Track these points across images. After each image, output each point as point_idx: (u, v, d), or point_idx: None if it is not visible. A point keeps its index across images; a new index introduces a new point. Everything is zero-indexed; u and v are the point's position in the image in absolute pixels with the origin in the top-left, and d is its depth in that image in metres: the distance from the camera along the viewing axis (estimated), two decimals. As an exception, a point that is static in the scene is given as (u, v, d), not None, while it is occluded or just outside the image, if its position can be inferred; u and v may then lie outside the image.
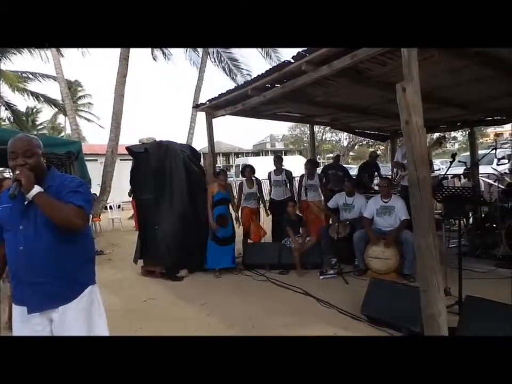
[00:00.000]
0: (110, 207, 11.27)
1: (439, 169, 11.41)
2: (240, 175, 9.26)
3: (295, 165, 13.73)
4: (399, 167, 5.67)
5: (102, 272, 5.03)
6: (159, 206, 5.39)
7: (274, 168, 6.44)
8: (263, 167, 8.04)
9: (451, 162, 3.79)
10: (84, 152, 6.97)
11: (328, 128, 24.85)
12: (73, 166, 6.31)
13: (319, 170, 7.68)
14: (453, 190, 3.50)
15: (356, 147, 31.57)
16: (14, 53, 16.08)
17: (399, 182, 5.71)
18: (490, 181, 6.35)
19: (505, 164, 8.72)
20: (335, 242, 5.07)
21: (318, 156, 27.25)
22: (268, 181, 6.67)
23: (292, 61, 3.87)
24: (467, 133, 11.27)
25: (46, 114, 31.86)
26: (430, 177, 2.72)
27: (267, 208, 6.34)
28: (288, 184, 6.31)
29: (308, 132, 10.68)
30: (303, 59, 3.70)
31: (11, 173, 1.91)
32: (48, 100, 19.23)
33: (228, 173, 6.00)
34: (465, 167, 6.96)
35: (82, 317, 1.75)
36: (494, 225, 5.27)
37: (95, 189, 8.99)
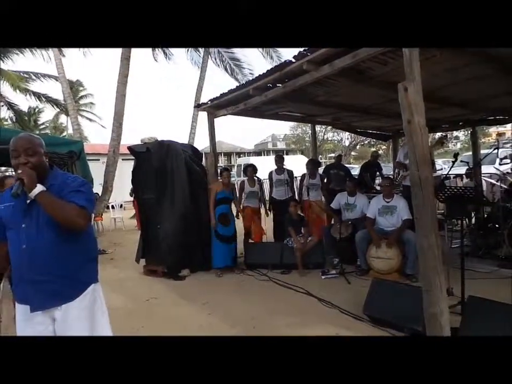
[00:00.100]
0: (112, 207, 11.29)
1: (441, 169, 11.40)
2: (241, 175, 9.26)
3: (297, 164, 13.73)
4: (401, 167, 5.66)
5: (105, 271, 5.04)
6: (161, 206, 5.40)
7: (276, 167, 6.44)
8: (265, 166, 8.02)
9: (453, 162, 3.77)
10: (86, 152, 6.99)
11: (329, 127, 24.82)
12: (75, 165, 6.33)
13: (320, 170, 7.68)
14: (455, 190, 3.49)
15: (358, 147, 31.53)
16: (16, 53, 16.12)
17: (401, 182, 5.70)
18: (493, 181, 6.32)
19: (508, 163, 8.71)
20: (337, 242, 5.06)
21: (320, 156, 27.28)
22: (268, 180, 6.66)
23: (293, 60, 3.86)
24: (469, 132, 11.22)
25: (48, 114, 31.97)
26: (432, 177, 2.71)
27: (267, 207, 6.33)
28: (289, 184, 6.32)
29: (310, 132, 10.66)
30: (304, 58, 3.70)
31: (13, 172, 1.91)
32: (50, 100, 19.26)
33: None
34: (467, 167, 6.95)
35: (85, 315, 1.75)
36: (497, 225, 5.26)
37: (97, 189, 9.01)
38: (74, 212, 1.65)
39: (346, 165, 9.57)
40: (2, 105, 18.75)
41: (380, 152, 23.90)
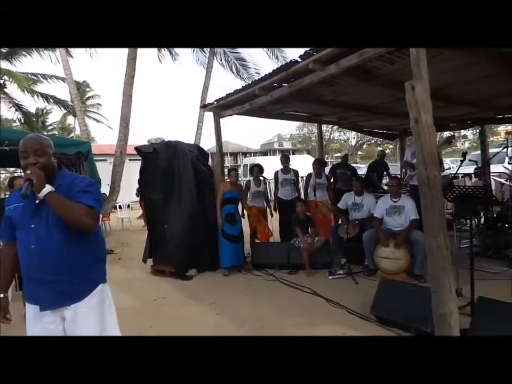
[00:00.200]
0: (120, 207, 11.37)
1: (449, 168, 11.30)
2: (248, 175, 9.26)
3: (303, 164, 13.71)
4: (408, 167, 5.62)
5: (112, 271, 5.07)
6: (168, 206, 5.42)
7: (282, 167, 6.43)
8: (271, 166, 8.02)
9: (462, 161, 3.74)
10: (93, 153, 7.04)
11: (336, 127, 24.74)
12: (83, 166, 6.38)
13: (327, 170, 7.66)
14: (464, 189, 3.46)
15: (364, 146, 31.42)
16: (23, 55, 16.31)
17: (408, 181, 5.66)
18: (502, 180, 6.26)
19: (517, 162, 8.58)
20: (345, 242, 5.04)
21: (326, 155, 27.21)
22: (273, 180, 6.65)
23: (299, 60, 3.85)
24: (477, 131, 11.12)
25: (55, 115, 32.35)
26: (440, 176, 2.69)
27: (272, 208, 6.31)
28: (295, 184, 6.31)
29: (316, 131, 10.63)
30: (310, 58, 3.68)
31: (22, 173, 1.93)
32: (57, 101, 19.44)
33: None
34: (476, 166, 6.88)
35: (94, 314, 1.76)
36: (506, 225, 5.20)
37: (105, 189, 9.08)
38: (83, 212, 1.66)
39: (353, 165, 9.53)
40: (11, 107, 18.96)
41: (387, 151, 23.79)
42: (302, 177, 8.29)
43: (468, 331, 2.61)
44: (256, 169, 6.04)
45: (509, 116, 7.36)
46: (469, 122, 8.06)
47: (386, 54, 3.46)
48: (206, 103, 6.44)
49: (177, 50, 15.78)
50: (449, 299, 2.51)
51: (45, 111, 26.57)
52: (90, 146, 6.81)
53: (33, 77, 17.87)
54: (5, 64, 17.03)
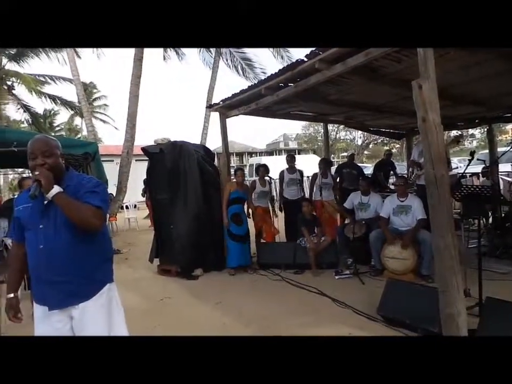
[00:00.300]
0: (126, 207, 11.44)
1: (457, 168, 11.21)
2: (254, 175, 9.26)
3: (309, 164, 13.68)
4: (415, 166, 5.59)
5: (119, 270, 5.10)
6: (174, 206, 5.44)
7: (287, 166, 6.42)
8: (277, 166, 8.02)
9: (470, 160, 3.70)
10: (100, 153, 7.08)
11: (342, 126, 24.65)
12: (90, 166, 6.42)
13: (333, 169, 7.64)
14: (472, 189, 3.43)
15: (371, 145, 31.29)
16: (31, 56, 16.48)
17: (415, 181, 5.62)
18: (510, 179, 6.19)
19: (526, 161, 8.49)
20: (351, 242, 5.02)
21: (332, 155, 27.12)
22: (278, 179, 6.63)
23: (305, 59, 3.84)
24: (485, 130, 11.02)
25: (63, 116, 32.56)
26: (448, 176, 2.67)
27: (275, 207, 6.29)
28: (301, 183, 6.30)
29: (322, 131, 10.61)
30: (316, 57, 3.68)
31: (30, 173, 1.95)
32: (65, 103, 19.64)
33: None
34: (483, 165, 6.82)
35: (102, 314, 1.78)
36: (515, 225, 5.15)
37: (111, 189, 9.14)
38: (90, 212, 1.67)
39: (359, 164, 9.50)
40: (19, 108, 19.17)
41: (393, 150, 23.65)
42: (307, 177, 8.28)
43: (476, 331, 2.59)
44: (262, 169, 6.04)
45: (517, 114, 7.28)
46: (476, 121, 7.99)
47: (393, 53, 3.45)
48: (212, 103, 6.45)
49: (184, 50, 15.86)
50: (457, 299, 2.49)
51: (52, 112, 26.83)
52: (97, 147, 6.85)
53: (41, 78, 18.05)
54: (13, 66, 17.24)
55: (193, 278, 5.22)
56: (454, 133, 14.29)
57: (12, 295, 1.84)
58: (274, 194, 6.63)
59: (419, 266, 4.38)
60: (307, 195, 6.58)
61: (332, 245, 5.22)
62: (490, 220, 5.89)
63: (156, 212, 6.13)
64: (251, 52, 16.12)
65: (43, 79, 18.21)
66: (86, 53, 15.21)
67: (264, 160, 17.31)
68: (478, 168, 7.34)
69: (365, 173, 7.86)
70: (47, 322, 1.74)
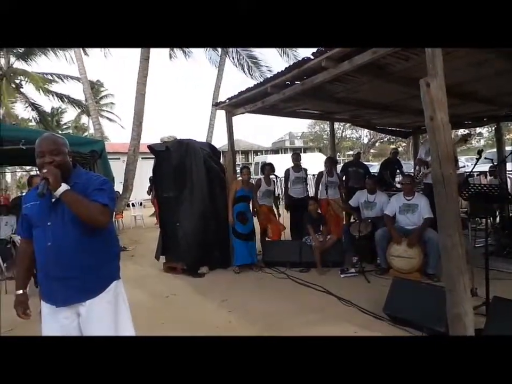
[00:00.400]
0: (132, 205, 11.49)
1: (464, 166, 11.12)
2: (259, 173, 9.27)
3: (315, 162, 13.65)
4: (422, 164, 5.55)
5: (126, 268, 5.11)
6: (180, 204, 5.46)
7: (292, 165, 6.41)
8: (282, 164, 8.01)
9: (477, 159, 3.67)
10: (107, 151, 7.12)
11: (348, 125, 24.57)
12: (96, 164, 6.46)
13: (339, 168, 7.61)
14: (480, 188, 3.40)
15: (377, 144, 31.12)
16: (39, 55, 16.59)
17: (422, 179, 5.58)
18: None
19: (535, 160, 8.39)
20: (357, 240, 5.01)
21: (338, 153, 27.01)
22: (283, 178, 6.62)
23: (312, 57, 3.83)
24: (493, 128, 10.89)
25: (70, 114, 32.77)
26: (456, 174, 2.65)
27: (280, 206, 6.27)
28: (307, 182, 6.29)
29: (327, 129, 10.57)
30: (323, 55, 3.66)
31: (38, 171, 1.96)
32: (72, 101, 19.76)
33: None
34: (491, 164, 6.75)
35: (109, 310, 1.79)
36: (523, 224, 5.10)
37: (118, 187, 9.18)
38: (97, 209, 1.68)
39: (365, 163, 9.45)
40: (27, 106, 19.33)
41: (400, 149, 23.51)
42: (313, 175, 8.27)
43: (482, 331, 2.58)
44: (268, 168, 6.03)
45: (526, 112, 7.20)
46: (485, 119, 7.92)
47: (400, 51, 3.43)
48: (218, 101, 6.45)
49: (190, 48, 15.86)
50: (464, 299, 2.48)
51: (59, 110, 26.99)
52: (104, 145, 6.89)
53: (49, 77, 18.16)
54: (21, 64, 17.37)
55: (199, 275, 5.24)
56: (461, 131, 14.19)
57: (20, 291, 1.86)
58: (280, 193, 6.61)
59: (425, 265, 4.35)
60: (310, 194, 6.57)
61: (338, 244, 5.21)
62: (498, 219, 5.84)
63: (161, 209, 6.15)
64: (257, 50, 16.11)
65: (51, 78, 18.33)
66: (94, 51, 15.24)
67: (270, 158, 17.29)
68: (485, 167, 7.28)
69: (371, 171, 7.82)
70: (54, 319, 1.76)
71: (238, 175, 6.12)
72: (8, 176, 24.10)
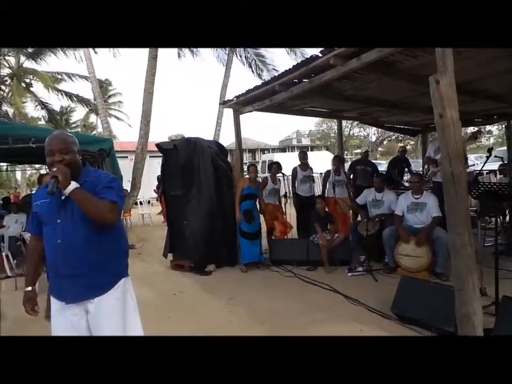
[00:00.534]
0: (140, 203, 11.56)
1: (473, 165, 11.00)
2: (266, 172, 9.26)
3: (322, 160, 13.60)
4: (431, 163, 5.49)
5: (133, 265, 5.13)
6: (187, 202, 5.48)
7: (299, 163, 6.39)
8: (289, 163, 8.00)
9: (488, 157, 3.63)
10: (115, 150, 7.15)
11: (356, 123, 24.44)
12: (105, 163, 6.50)
13: (346, 166, 7.58)
14: (489, 186, 3.36)
15: (385, 142, 30.91)
16: (48, 54, 16.75)
17: (431, 178, 5.53)
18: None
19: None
20: (364, 239, 4.98)
21: (346, 152, 26.90)
22: (291, 176, 6.60)
23: (320, 55, 3.81)
24: (503, 126, 10.76)
25: (79, 113, 33.01)
26: (465, 173, 2.62)
27: (287, 204, 6.25)
28: (314, 180, 6.28)
29: (335, 127, 10.53)
30: (331, 53, 3.64)
31: (48, 170, 1.98)
32: (81, 100, 19.94)
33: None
34: (501, 163, 6.67)
35: (117, 307, 1.80)
36: (533, 223, 5.03)
37: (126, 185, 9.23)
38: (106, 207, 1.70)
39: (373, 161, 9.40)
40: (36, 105, 19.54)
41: (408, 147, 23.31)
42: (320, 173, 8.24)
43: (492, 331, 2.55)
44: (275, 167, 6.02)
45: (538, 110, 7.09)
46: (495, 117, 7.83)
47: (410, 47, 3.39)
48: (226, 100, 6.45)
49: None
50: (473, 298, 2.45)
51: (68, 109, 27.22)
52: (112, 143, 6.92)
53: (58, 76, 18.34)
54: (30, 64, 17.56)
55: (206, 273, 5.26)
56: (470, 129, 14.02)
57: (29, 288, 1.88)
58: (287, 191, 6.60)
59: (433, 264, 4.32)
60: (316, 192, 6.55)
61: (345, 242, 5.19)
62: (508, 218, 5.77)
63: (169, 207, 6.18)
64: (263, 48, 16.08)
65: (60, 77, 18.51)
66: (102, 50, 15.34)
67: (277, 156, 17.27)
68: (495, 165, 7.19)
69: (379, 170, 7.77)
70: (63, 316, 1.78)
71: (245, 174, 6.12)
72: (18, 174, 24.43)
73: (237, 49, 15.70)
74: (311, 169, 6.42)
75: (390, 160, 8.90)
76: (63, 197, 1.72)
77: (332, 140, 29.48)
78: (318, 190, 7.36)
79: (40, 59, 17.05)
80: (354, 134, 30.44)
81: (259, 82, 5.08)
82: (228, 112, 6.19)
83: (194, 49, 15.87)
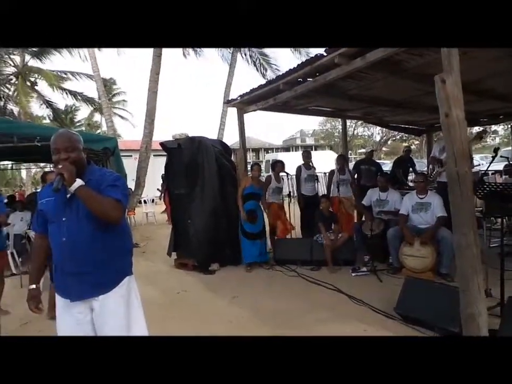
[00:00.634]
0: (144, 201, 11.59)
1: (479, 165, 10.93)
2: (270, 171, 9.27)
3: (326, 160, 13.57)
4: (436, 163, 5.46)
5: (138, 264, 5.14)
6: (191, 201, 5.48)
7: (303, 162, 6.38)
8: (293, 162, 7.98)
9: (493, 157, 3.60)
10: (119, 148, 7.16)
11: (360, 122, 24.38)
12: (109, 161, 6.52)
13: (350, 165, 7.56)
14: (495, 187, 3.34)
15: (389, 142, 30.80)
16: (53, 53, 16.84)
17: (436, 178, 5.50)
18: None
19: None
20: (368, 239, 4.97)
21: (350, 151, 26.81)
22: (295, 176, 6.58)
23: (325, 54, 3.80)
24: (509, 126, 10.69)
25: (83, 112, 33.16)
26: (471, 173, 2.61)
27: (291, 202, 6.24)
28: (318, 180, 6.27)
29: (339, 127, 10.51)
30: (336, 52, 3.63)
31: (53, 168, 1.99)
32: (85, 99, 20.02)
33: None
34: (506, 163, 6.62)
35: (121, 305, 1.81)
36: (539, 224, 4.99)
37: (130, 184, 9.26)
38: (111, 205, 1.71)
39: (377, 161, 9.37)
40: (41, 104, 19.65)
41: (412, 147, 23.20)
42: (324, 173, 8.23)
43: (497, 332, 2.54)
44: (280, 165, 6.00)
45: (544, 110, 7.04)
46: (500, 117, 7.78)
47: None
48: (230, 99, 6.46)
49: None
50: (478, 299, 2.44)
51: (73, 108, 27.34)
52: (116, 142, 6.93)
53: (63, 75, 18.42)
54: (35, 62, 17.65)
55: (210, 272, 5.27)
56: (476, 129, 13.95)
57: (33, 286, 1.89)
58: (291, 191, 6.59)
59: (438, 265, 4.30)
60: (320, 192, 6.53)
61: (349, 242, 5.17)
62: (514, 219, 5.72)
63: (173, 206, 6.20)
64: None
65: (65, 75, 18.59)
66: (106, 49, 15.41)
67: (281, 156, 17.26)
68: (500, 166, 7.14)
69: (384, 170, 7.74)
70: (68, 313, 1.79)
71: (249, 173, 6.11)
72: (24, 173, 24.60)
73: (241, 49, 15.70)
74: (314, 168, 6.40)
75: (395, 160, 8.87)
76: (68, 195, 1.73)
77: (336, 139, 29.41)
78: (321, 190, 7.35)
79: (45, 58, 17.15)
80: (358, 134, 30.36)
81: (263, 81, 5.06)
82: (232, 111, 6.22)
83: (198, 49, 15.88)
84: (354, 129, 28.32)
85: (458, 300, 2.55)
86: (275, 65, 16.32)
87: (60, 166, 1.68)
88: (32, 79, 18.68)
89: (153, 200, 12.04)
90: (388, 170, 8.61)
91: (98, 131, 29.37)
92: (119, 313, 1.80)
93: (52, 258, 1.84)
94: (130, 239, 2.05)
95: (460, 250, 2.48)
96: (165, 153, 6.04)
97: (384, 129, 22.58)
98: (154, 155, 12.45)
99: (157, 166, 11.86)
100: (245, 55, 16.24)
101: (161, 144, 5.92)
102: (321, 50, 3.86)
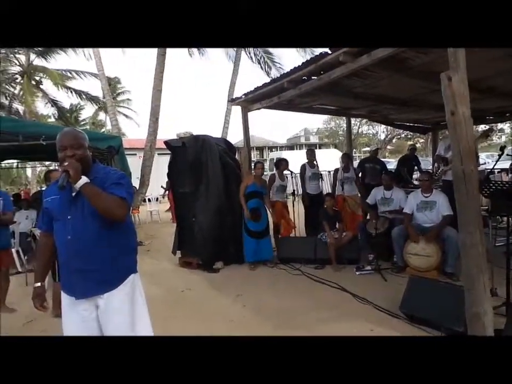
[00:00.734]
0: (149, 200, 11.62)
1: (485, 163, 10.85)
2: (274, 169, 9.27)
3: (330, 158, 13.53)
4: (441, 161, 5.43)
5: (142, 262, 5.18)
6: (196, 200, 5.49)
7: (307, 161, 6.36)
8: (298, 160, 7.96)
9: (500, 156, 3.57)
10: (124, 147, 7.17)
11: (364, 121, 24.27)
12: (114, 160, 6.54)
13: (355, 163, 7.53)
14: (501, 185, 3.31)
15: (394, 140, 30.67)
16: (58, 52, 16.91)
17: (441, 176, 5.47)
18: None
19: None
20: (373, 237, 4.95)
21: (354, 150, 26.74)
22: (299, 174, 6.57)
23: (329, 52, 3.78)
24: (516, 124, 10.61)
25: (88, 111, 33.29)
26: (477, 171, 2.59)
27: (295, 201, 6.23)
28: (322, 178, 6.26)
29: (343, 125, 10.48)
30: (340, 50, 3.61)
31: (58, 166, 2.00)
32: (90, 97, 20.11)
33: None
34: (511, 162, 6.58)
35: (126, 303, 1.82)
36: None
37: (134, 182, 9.28)
38: (115, 202, 1.71)
39: (382, 159, 9.33)
40: (46, 103, 19.75)
41: (417, 145, 23.11)
42: (328, 171, 8.21)
43: (502, 331, 2.52)
44: (284, 164, 5.99)
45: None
46: (507, 114, 7.71)
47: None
48: (234, 97, 6.45)
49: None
50: (484, 298, 2.42)
51: (78, 106, 27.46)
52: (121, 141, 6.95)
53: (68, 74, 18.50)
54: (40, 61, 17.74)
55: (214, 270, 5.28)
56: (482, 127, 13.84)
57: (38, 284, 1.90)
58: (296, 189, 6.58)
59: (443, 264, 4.27)
60: (324, 190, 6.52)
61: (354, 241, 5.16)
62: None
63: (178, 205, 6.21)
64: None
65: (70, 74, 18.68)
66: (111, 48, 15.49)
67: (285, 154, 17.23)
68: (506, 164, 7.09)
69: (388, 168, 7.71)
70: (74, 311, 1.80)
71: (252, 171, 6.11)
72: (29, 171, 24.75)
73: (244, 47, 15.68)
74: (318, 166, 6.39)
75: (400, 158, 8.82)
76: (73, 193, 1.74)
77: (340, 137, 29.35)
78: (326, 188, 7.32)
79: (50, 56, 17.23)
80: (363, 132, 30.26)
81: (268, 79, 5.05)
82: (236, 110, 6.20)
83: (201, 48, 15.88)
84: (358, 128, 28.22)
85: (463, 299, 2.54)
86: (279, 63, 16.31)
87: (66, 163, 1.68)
88: (37, 78, 18.79)
89: (157, 199, 12.07)
90: (393, 168, 8.58)
91: (103, 130, 29.46)
92: (123, 310, 1.80)
93: (57, 257, 1.85)
94: (135, 237, 2.06)
95: (466, 249, 2.46)
96: (169, 152, 6.05)
97: (389, 127, 22.47)
98: (158, 154, 12.47)
99: (161, 165, 11.86)
100: (249, 53, 16.22)
101: (166, 142, 5.93)
102: (325, 49, 3.85)
